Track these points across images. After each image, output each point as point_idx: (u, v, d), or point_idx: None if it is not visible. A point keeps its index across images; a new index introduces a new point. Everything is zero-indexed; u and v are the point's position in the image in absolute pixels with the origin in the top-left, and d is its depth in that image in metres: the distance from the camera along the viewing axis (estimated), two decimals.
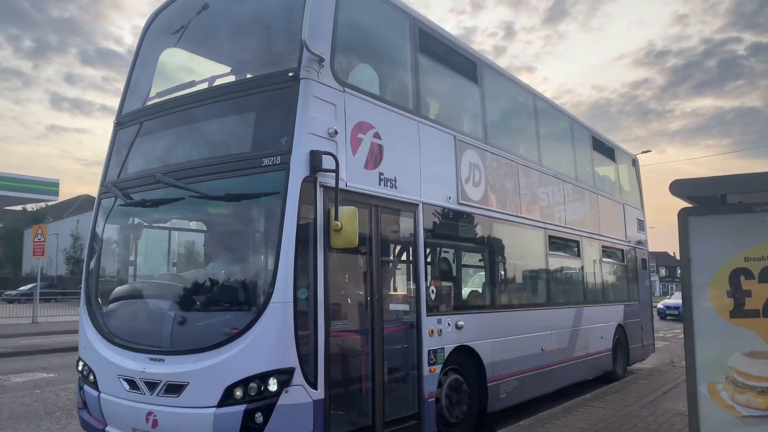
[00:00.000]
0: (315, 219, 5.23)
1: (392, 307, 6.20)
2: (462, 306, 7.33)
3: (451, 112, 7.86)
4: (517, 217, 8.60)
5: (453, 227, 7.31)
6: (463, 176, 7.43)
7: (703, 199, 4.99)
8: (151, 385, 5.25)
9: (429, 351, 6.44)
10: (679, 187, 4.76)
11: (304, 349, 5.00)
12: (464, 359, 7.13)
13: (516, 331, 8.17)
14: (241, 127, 5.69)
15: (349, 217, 5.24)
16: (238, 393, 4.88)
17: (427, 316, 6.48)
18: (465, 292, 7.54)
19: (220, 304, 5.41)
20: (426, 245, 6.64)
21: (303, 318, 5.06)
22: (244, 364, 4.91)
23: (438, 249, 7.09)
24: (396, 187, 6.28)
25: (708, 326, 4.56)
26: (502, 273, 8.29)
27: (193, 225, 6.33)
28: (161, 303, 5.71)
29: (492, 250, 7.97)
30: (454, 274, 7.37)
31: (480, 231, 7.77)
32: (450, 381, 6.80)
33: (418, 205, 6.56)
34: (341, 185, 5.45)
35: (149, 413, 5.18)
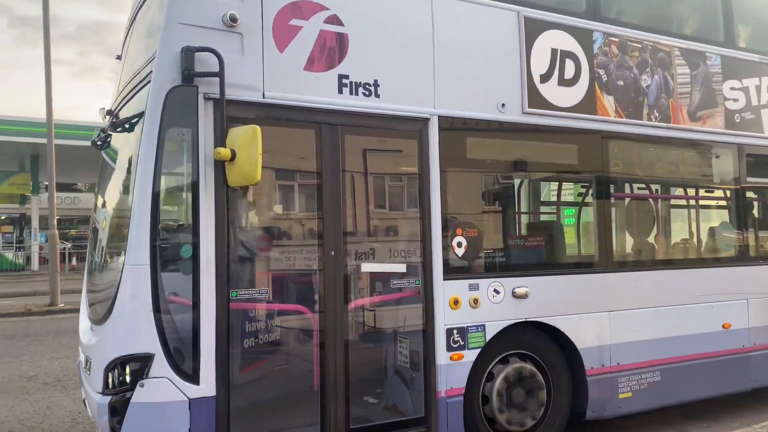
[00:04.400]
0: (197, 146, 3.71)
1: (367, 268, 4.30)
2: (529, 264, 4.97)
3: None
4: (668, 128, 5.64)
5: (510, 148, 4.94)
6: (536, 71, 4.96)
7: None
8: (85, 361, 4.41)
9: (449, 330, 4.42)
10: None
11: (173, 328, 3.61)
12: (540, 340, 4.86)
13: (657, 299, 5.40)
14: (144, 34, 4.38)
15: (244, 142, 3.60)
16: (110, 380, 3.74)
17: (446, 279, 4.43)
18: (538, 243, 5.11)
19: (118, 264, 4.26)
20: (447, 178, 4.51)
21: (177, 285, 3.67)
22: (112, 343, 3.74)
23: (475, 182, 4.86)
24: (378, 95, 4.31)
25: None
26: (628, 213, 5.53)
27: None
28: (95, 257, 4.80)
29: (604, 180, 5.28)
30: (513, 218, 5.07)
31: (576, 152, 5.20)
32: (508, 373, 4.66)
33: (427, 120, 4.46)
34: (251, 96, 3.84)
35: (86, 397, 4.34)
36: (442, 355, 4.38)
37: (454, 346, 4.44)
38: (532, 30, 4.96)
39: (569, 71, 5.13)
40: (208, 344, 3.64)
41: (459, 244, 4.55)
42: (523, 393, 4.73)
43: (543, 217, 5.36)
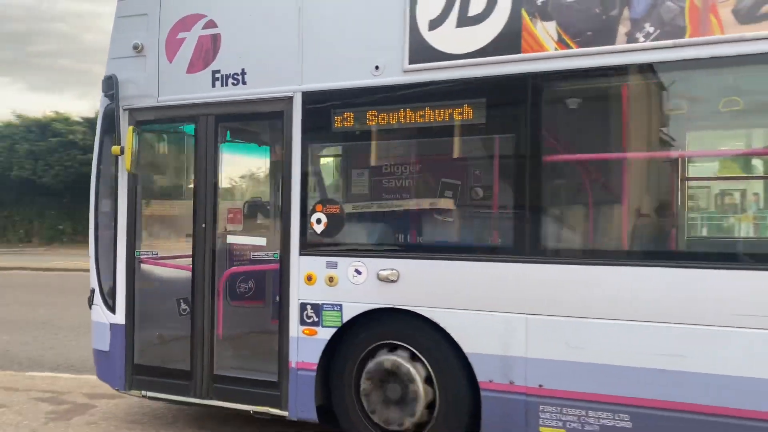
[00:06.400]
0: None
1: (231, 240, 4.74)
2: (401, 245, 4.22)
3: None
4: (677, 46, 3.57)
5: (387, 116, 4.23)
6: (424, 17, 4.17)
7: None
8: None
9: (302, 304, 4.48)
10: None
11: (105, 274, 5.21)
12: (422, 333, 4.21)
13: (640, 310, 3.65)
14: None
15: (126, 140, 4.91)
16: None
17: (302, 255, 4.48)
18: (413, 222, 4.13)
19: None
20: (310, 156, 4.48)
21: (105, 243, 5.22)
22: None
23: (343, 159, 4.44)
24: (245, 82, 4.70)
25: None
26: (578, 181, 3.77)
27: None
28: None
29: (532, 138, 3.85)
30: (391, 194, 4.32)
31: (484, 109, 4.00)
32: (381, 365, 4.30)
33: (290, 98, 4.52)
34: (149, 102, 5.06)
35: None
36: (294, 328, 4.51)
37: (308, 321, 4.47)
38: None
39: (477, 4, 4.05)
40: (121, 287, 5.10)
41: (318, 221, 4.47)
42: (400, 390, 4.26)
43: (424, 192, 4.26)
